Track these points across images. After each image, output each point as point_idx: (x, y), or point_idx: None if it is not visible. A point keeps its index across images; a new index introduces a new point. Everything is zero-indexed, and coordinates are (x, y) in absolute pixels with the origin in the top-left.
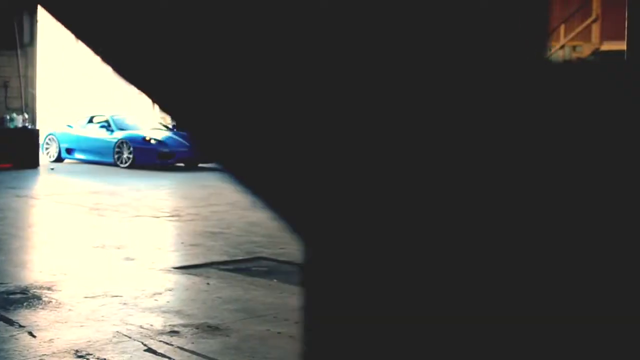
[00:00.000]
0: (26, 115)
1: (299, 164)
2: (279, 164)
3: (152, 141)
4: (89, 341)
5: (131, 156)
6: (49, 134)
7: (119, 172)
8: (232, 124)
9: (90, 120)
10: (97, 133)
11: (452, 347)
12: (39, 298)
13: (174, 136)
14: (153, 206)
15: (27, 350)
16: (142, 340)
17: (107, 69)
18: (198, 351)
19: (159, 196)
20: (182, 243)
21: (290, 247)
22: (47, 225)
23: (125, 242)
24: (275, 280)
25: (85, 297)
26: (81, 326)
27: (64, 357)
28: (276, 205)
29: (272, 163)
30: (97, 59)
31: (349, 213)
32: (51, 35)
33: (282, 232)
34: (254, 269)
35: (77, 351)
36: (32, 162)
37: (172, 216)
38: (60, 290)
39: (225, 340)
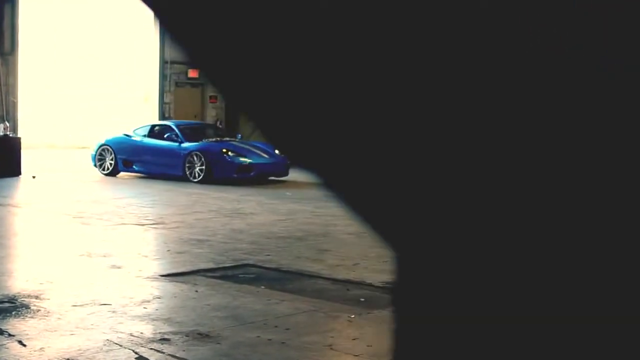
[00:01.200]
0: (7, 124)
1: (387, 175)
2: (368, 175)
3: (230, 153)
4: (80, 350)
5: (203, 169)
6: (102, 144)
7: (110, 182)
8: (325, 137)
9: (152, 129)
10: (163, 143)
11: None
12: (27, 307)
13: (251, 147)
14: (137, 214)
15: (18, 359)
16: (133, 348)
17: (94, 79)
18: (190, 359)
19: (142, 204)
20: (168, 250)
21: (275, 255)
22: (32, 234)
23: (110, 250)
24: (262, 287)
25: (74, 306)
26: (71, 334)
27: None
28: (366, 216)
29: (362, 175)
30: (92, 69)
31: (437, 224)
32: (33, 44)
33: (267, 239)
34: (241, 276)
35: (68, 359)
36: (13, 171)
37: (157, 224)
38: (48, 299)
39: (216, 347)
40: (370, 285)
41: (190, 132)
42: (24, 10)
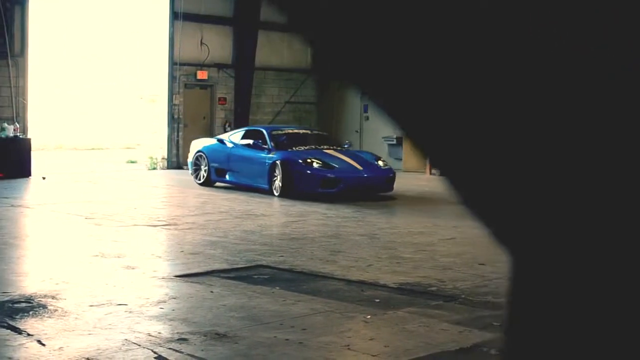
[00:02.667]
0: (17, 125)
1: (508, 182)
2: (491, 181)
3: (315, 164)
4: (99, 349)
5: (283, 181)
6: (198, 151)
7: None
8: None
9: (245, 134)
10: (251, 151)
11: None
12: (44, 307)
13: (348, 157)
14: (148, 215)
15: (38, 358)
16: (152, 348)
17: (103, 80)
18: (208, 358)
19: (153, 205)
20: (182, 251)
21: (288, 256)
22: (44, 235)
23: (123, 250)
24: (277, 288)
25: (91, 306)
26: (89, 334)
27: None
28: (486, 220)
29: (486, 181)
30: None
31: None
32: (42, 45)
33: (279, 240)
34: (255, 276)
35: (87, 359)
36: (23, 172)
37: (169, 225)
38: (64, 299)
39: (234, 347)
40: (384, 286)
41: (284, 139)
42: (34, 12)
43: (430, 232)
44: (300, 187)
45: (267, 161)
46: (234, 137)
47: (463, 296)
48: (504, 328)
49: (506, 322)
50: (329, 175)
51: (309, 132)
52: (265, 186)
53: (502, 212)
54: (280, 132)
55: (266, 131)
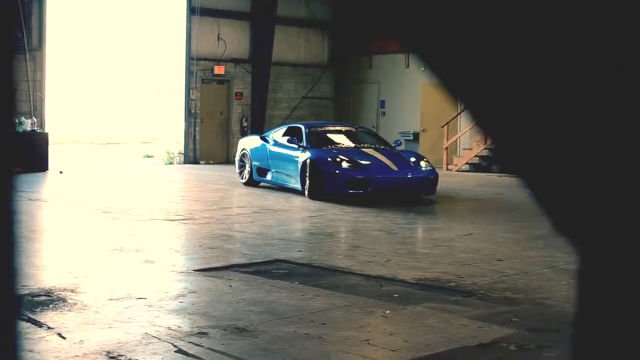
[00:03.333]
0: (35, 119)
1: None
2: (565, 180)
3: (345, 163)
4: (119, 342)
5: (312, 181)
6: (243, 149)
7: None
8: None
9: (287, 131)
10: (287, 149)
11: None
12: (63, 300)
13: (386, 157)
14: (165, 209)
15: (59, 351)
16: (172, 342)
17: (120, 75)
18: (229, 352)
19: (170, 199)
20: (200, 246)
21: (307, 251)
22: (62, 228)
23: (142, 245)
24: (296, 283)
25: (110, 299)
26: (109, 327)
27: (97, 358)
28: (557, 217)
29: (559, 179)
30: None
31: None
32: (59, 40)
33: (297, 235)
34: (274, 271)
35: (108, 352)
36: (41, 166)
37: (186, 219)
38: (84, 293)
39: (254, 341)
40: (403, 281)
41: (322, 136)
42: (52, 7)
43: (448, 227)
44: (328, 187)
45: (300, 160)
46: (277, 134)
47: (482, 292)
48: (572, 326)
49: (576, 321)
50: (357, 175)
51: (352, 129)
52: (299, 187)
53: (576, 209)
54: (319, 129)
55: (304, 128)
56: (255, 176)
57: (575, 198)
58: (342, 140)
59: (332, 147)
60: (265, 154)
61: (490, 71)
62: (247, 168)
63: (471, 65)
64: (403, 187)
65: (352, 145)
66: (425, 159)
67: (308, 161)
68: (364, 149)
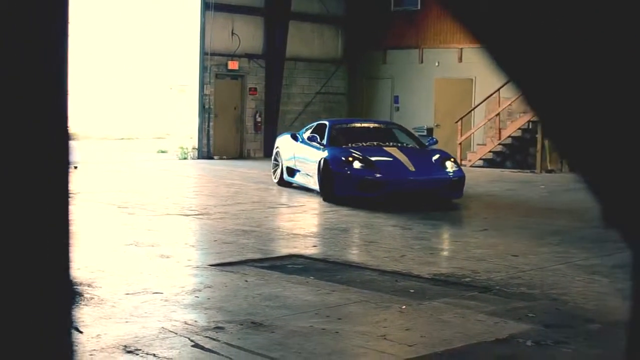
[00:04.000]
0: None
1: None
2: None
3: (357, 163)
4: (136, 337)
5: (325, 182)
6: (276, 147)
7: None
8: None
9: (315, 129)
10: (309, 147)
11: None
12: (80, 295)
13: (406, 155)
14: (180, 204)
15: (76, 346)
16: (189, 336)
17: (133, 71)
18: (245, 347)
19: (185, 194)
20: (215, 241)
21: (321, 246)
22: (78, 223)
23: (157, 239)
24: (311, 278)
25: (127, 294)
26: (126, 322)
27: (113, 352)
28: (612, 209)
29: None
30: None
31: None
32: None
33: (312, 230)
34: (289, 266)
35: (125, 347)
36: None
37: (201, 214)
38: (100, 287)
39: (270, 336)
40: (418, 276)
41: (345, 134)
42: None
43: (462, 223)
44: (338, 189)
45: (317, 159)
46: (307, 132)
47: (497, 287)
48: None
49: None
50: (367, 176)
51: (381, 126)
52: (317, 187)
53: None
54: (344, 125)
55: (329, 124)
56: (285, 176)
57: (632, 189)
58: (367, 138)
59: (353, 145)
60: (292, 153)
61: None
62: (280, 167)
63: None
64: (420, 190)
65: (376, 143)
66: (452, 159)
67: (322, 161)
68: (386, 148)
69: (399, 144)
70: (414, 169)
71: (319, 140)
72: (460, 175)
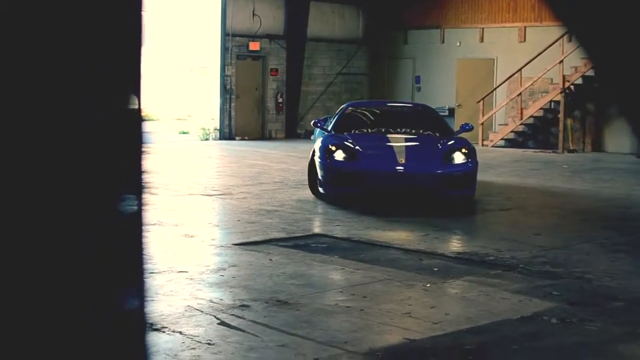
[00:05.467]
0: None
1: None
2: None
3: (339, 154)
4: (162, 315)
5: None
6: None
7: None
8: None
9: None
10: (317, 134)
11: None
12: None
13: (399, 144)
14: (203, 184)
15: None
16: (215, 314)
17: (155, 52)
18: (271, 324)
19: (207, 175)
20: (239, 220)
21: (345, 225)
22: None
23: (181, 219)
24: (336, 257)
25: (152, 273)
26: (152, 301)
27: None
28: None
29: None
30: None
31: None
32: None
33: (334, 209)
34: (313, 245)
35: (152, 324)
36: None
37: (224, 194)
38: None
39: (296, 314)
40: (442, 255)
41: (354, 118)
42: None
43: (485, 202)
44: (322, 184)
45: (315, 148)
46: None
47: (521, 266)
48: None
49: None
50: (346, 169)
51: (404, 109)
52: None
53: None
54: (359, 109)
55: (345, 107)
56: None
57: None
58: (379, 123)
59: (357, 132)
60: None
61: None
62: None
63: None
64: (407, 185)
65: (383, 129)
66: (464, 149)
67: (312, 151)
68: (392, 135)
69: (413, 131)
70: (403, 161)
71: (323, 125)
72: (467, 168)
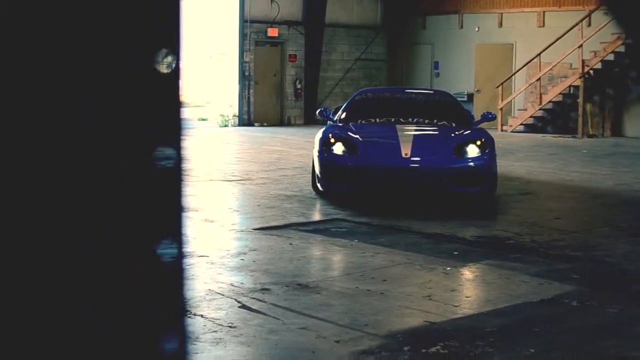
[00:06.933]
0: None
1: None
2: None
3: (338, 146)
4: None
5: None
6: None
7: None
8: None
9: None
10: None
11: None
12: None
13: (405, 135)
14: (223, 170)
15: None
16: (236, 298)
17: None
18: (292, 308)
19: (227, 160)
20: (259, 205)
21: (364, 209)
22: None
23: (201, 204)
24: (355, 241)
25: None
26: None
27: None
28: None
29: None
30: None
31: None
32: None
33: (354, 193)
34: (333, 229)
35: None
36: None
37: (244, 180)
38: None
39: (316, 297)
40: (462, 239)
41: (364, 106)
42: None
43: (504, 186)
44: (322, 180)
45: (315, 140)
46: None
47: (541, 249)
48: None
49: None
50: (343, 163)
51: (420, 96)
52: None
53: None
54: (369, 95)
55: (355, 95)
56: None
57: None
58: (391, 112)
59: (363, 121)
60: None
61: None
62: None
63: None
64: (411, 181)
65: (393, 119)
66: (479, 141)
67: (315, 142)
68: (401, 125)
69: (427, 121)
70: (408, 155)
71: (329, 115)
72: (481, 162)
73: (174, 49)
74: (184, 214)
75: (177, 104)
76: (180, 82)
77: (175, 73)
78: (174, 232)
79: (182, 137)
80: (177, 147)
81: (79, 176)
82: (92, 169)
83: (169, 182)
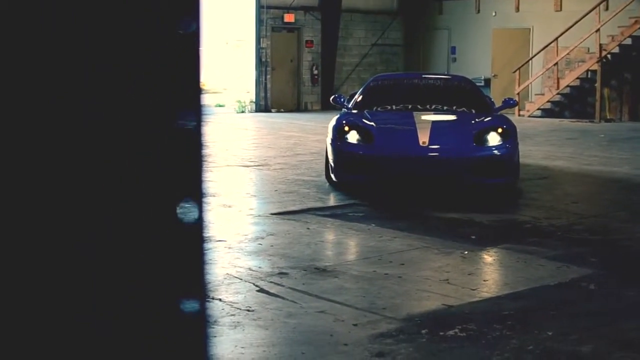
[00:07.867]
0: None
1: None
2: None
3: (352, 135)
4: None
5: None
6: None
7: None
8: None
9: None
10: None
11: None
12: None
13: (428, 123)
14: (240, 156)
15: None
16: (254, 282)
17: None
18: (310, 292)
19: (244, 146)
20: (276, 190)
21: (381, 194)
22: None
23: (218, 190)
24: (373, 225)
25: None
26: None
27: None
28: None
29: None
30: None
31: None
32: None
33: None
34: (350, 214)
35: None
36: None
37: (261, 165)
38: None
39: (334, 281)
40: (479, 223)
41: (380, 93)
42: None
43: (522, 170)
44: (334, 169)
45: (329, 128)
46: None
47: (559, 233)
48: None
49: None
50: (358, 153)
51: (439, 82)
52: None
53: None
54: (385, 82)
55: (370, 81)
56: None
57: None
58: (408, 98)
59: (379, 108)
60: None
61: None
62: None
63: None
64: (430, 171)
65: (410, 106)
66: (500, 129)
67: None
68: (419, 113)
69: (445, 107)
70: (426, 143)
71: (343, 102)
72: (499, 153)
73: (196, 31)
74: (204, 176)
75: (197, 88)
76: (201, 65)
77: (196, 54)
78: (195, 193)
79: (202, 105)
80: (198, 110)
81: (111, 149)
82: (122, 139)
83: (190, 142)
